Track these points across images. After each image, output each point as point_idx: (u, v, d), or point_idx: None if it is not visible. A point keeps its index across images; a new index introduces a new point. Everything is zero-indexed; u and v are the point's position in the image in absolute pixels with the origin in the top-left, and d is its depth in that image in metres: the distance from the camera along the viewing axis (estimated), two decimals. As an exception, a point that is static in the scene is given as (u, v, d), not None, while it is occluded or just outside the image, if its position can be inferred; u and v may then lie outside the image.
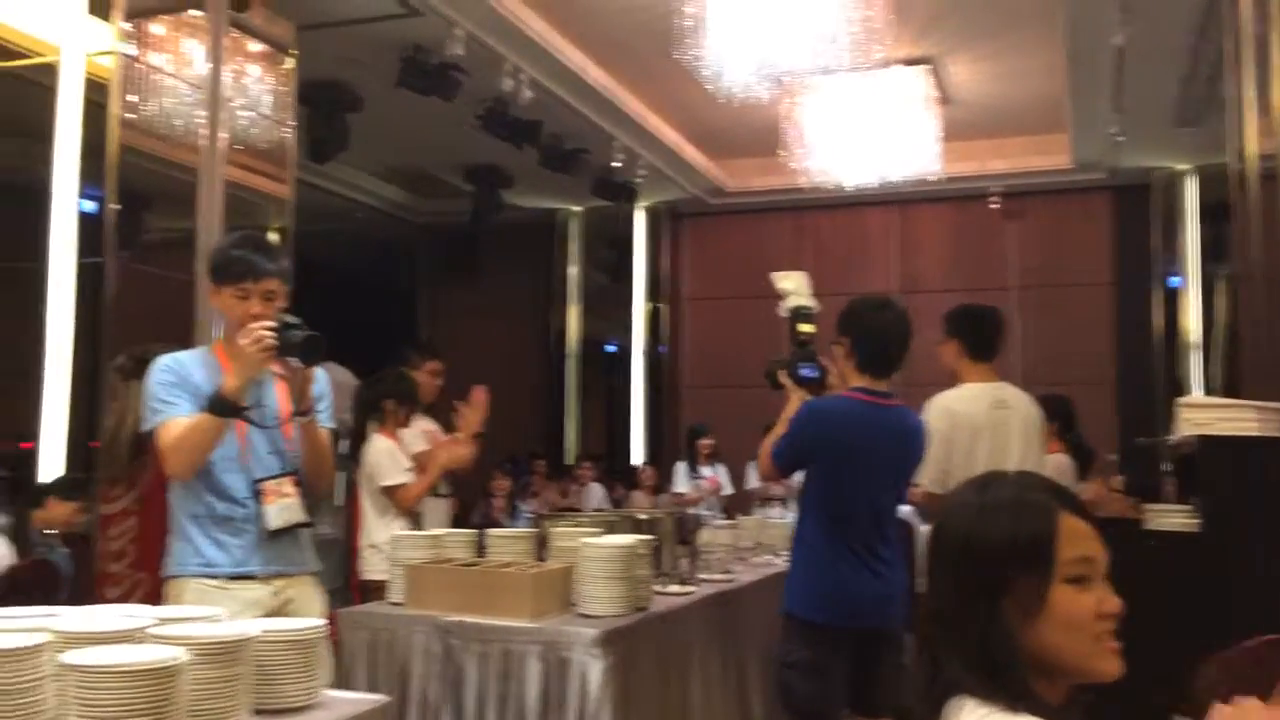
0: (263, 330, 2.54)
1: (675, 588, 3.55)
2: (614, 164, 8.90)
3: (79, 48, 4.90)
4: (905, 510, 7.38)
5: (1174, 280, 9.19)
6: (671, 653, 3.28)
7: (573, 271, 11.08)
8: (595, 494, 8.71)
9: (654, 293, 10.89)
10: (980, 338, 3.71)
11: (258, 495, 2.68)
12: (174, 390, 2.66)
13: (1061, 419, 4.81)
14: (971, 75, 8.02)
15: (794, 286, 3.77)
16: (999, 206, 9.80)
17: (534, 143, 8.15)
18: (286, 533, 2.71)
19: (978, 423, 3.56)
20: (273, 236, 5.85)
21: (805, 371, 3.51)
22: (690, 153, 9.59)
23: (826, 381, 3.45)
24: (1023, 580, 1.28)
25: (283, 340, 2.56)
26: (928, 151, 7.73)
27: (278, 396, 2.75)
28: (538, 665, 2.87)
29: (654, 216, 10.86)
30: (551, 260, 11.09)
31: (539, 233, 11.04)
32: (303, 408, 2.71)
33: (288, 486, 2.72)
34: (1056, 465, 4.43)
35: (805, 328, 3.72)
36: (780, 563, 4.50)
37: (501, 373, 6.49)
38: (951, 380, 3.75)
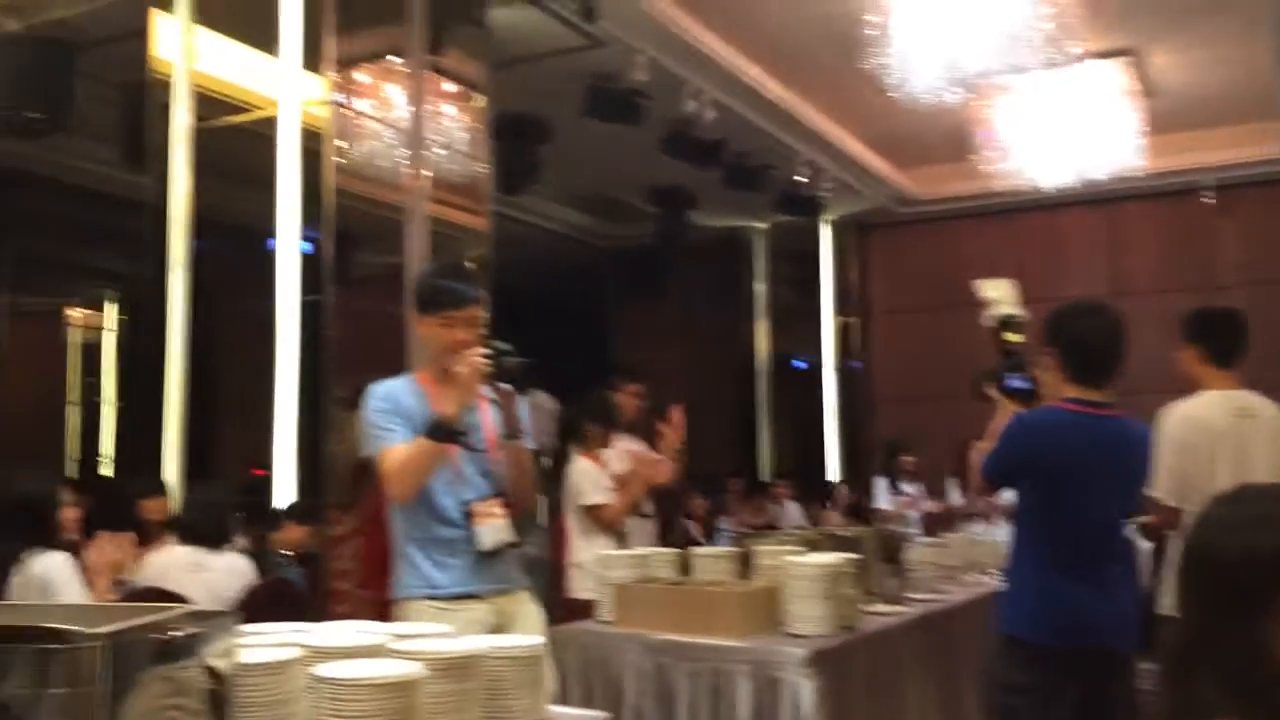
0: (478, 357, 2.63)
1: (883, 607, 3.48)
2: (798, 178, 8.84)
3: (295, 99, 5.25)
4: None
5: None
6: (883, 674, 3.22)
7: (759, 289, 11.05)
8: (792, 513, 8.63)
9: (843, 307, 10.74)
10: (1222, 343, 3.51)
11: (468, 517, 2.76)
12: (389, 418, 2.75)
13: None
14: (1175, 65, 7.58)
15: (1000, 294, 3.64)
16: (1212, 201, 9.20)
17: (717, 162, 8.19)
18: (499, 552, 2.79)
19: (1218, 431, 3.34)
20: (471, 266, 6.11)
21: (1014, 383, 3.37)
22: (876, 162, 9.44)
23: (1038, 393, 3.30)
24: None
25: (496, 366, 2.65)
26: (1130, 147, 7.35)
27: (484, 420, 2.83)
28: (748, 684, 2.87)
29: (840, 229, 10.72)
30: (738, 278, 11.10)
31: (725, 251, 11.07)
32: (512, 431, 2.79)
33: (496, 507, 2.80)
34: None
35: (1013, 337, 3.57)
36: (992, 581, 4.35)
37: (691, 392, 6.53)
38: (1176, 386, 3.54)
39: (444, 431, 2.66)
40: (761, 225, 10.91)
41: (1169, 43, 7.26)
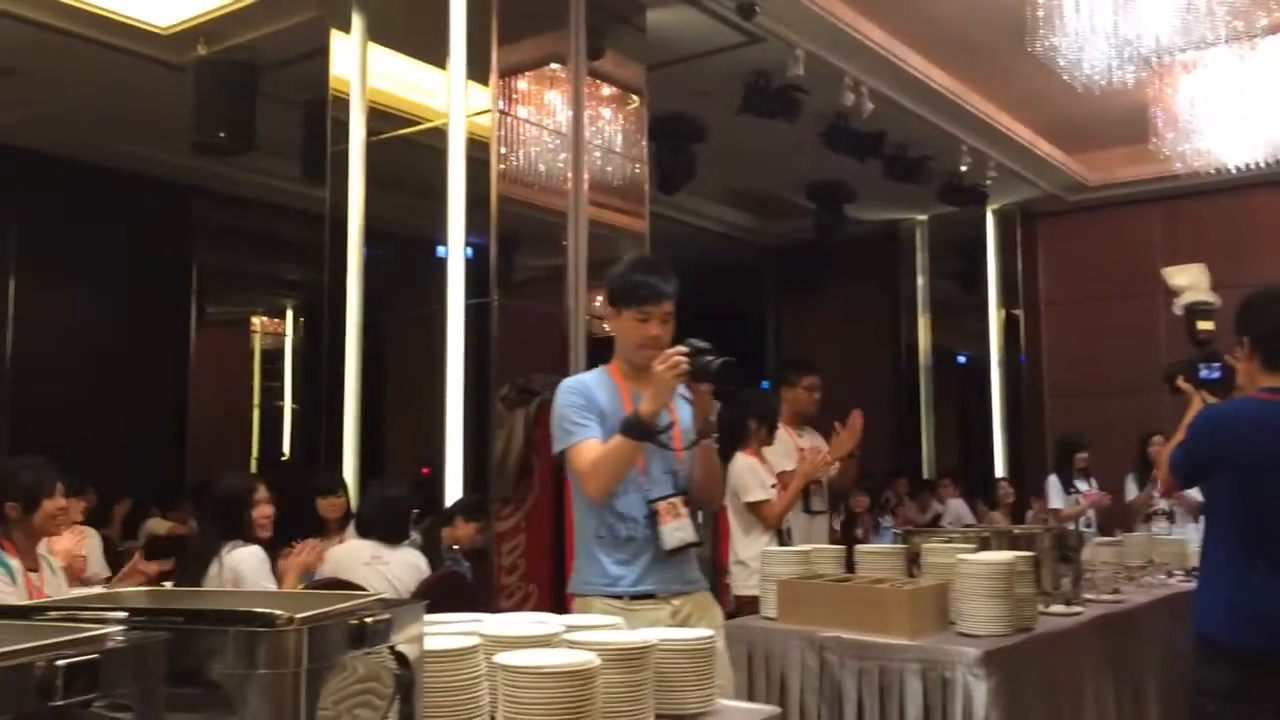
0: (678, 355, 2.59)
1: (1060, 608, 3.36)
2: (961, 168, 8.61)
3: (461, 110, 5.43)
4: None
5: None
6: (1060, 676, 3.11)
7: (920, 282, 10.82)
8: (957, 510, 8.41)
9: (1009, 299, 10.39)
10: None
11: (653, 515, 2.72)
12: (583, 412, 2.72)
13: None
14: (1378, 30, 7.02)
15: (1189, 281, 3.46)
16: None
17: (877, 154, 8.07)
18: (681, 552, 2.76)
19: None
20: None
21: (1206, 373, 3.20)
22: (1045, 148, 9.10)
23: (1234, 383, 3.12)
24: None
25: (695, 365, 2.59)
26: (1327, 122, 6.86)
27: (675, 417, 2.78)
28: (917, 683, 2.82)
29: (1005, 219, 10.38)
30: (898, 272, 10.89)
31: (884, 245, 10.89)
32: (706, 430, 2.73)
33: (680, 507, 2.76)
34: None
35: (1204, 325, 3.40)
36: (1174, 583, 4.14)
37: (853, 388, 6.43)
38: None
39: (642, 429, 2.62)
40: (922, 217, 10.67)
41: (1368, 7, 6.73)
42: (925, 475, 10.00)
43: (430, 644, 1.72)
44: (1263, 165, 7.34)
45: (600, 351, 6.02)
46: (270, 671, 1.30)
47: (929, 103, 7.66)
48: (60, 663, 1.06)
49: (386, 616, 1.44)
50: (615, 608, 2.66)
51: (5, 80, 7.15)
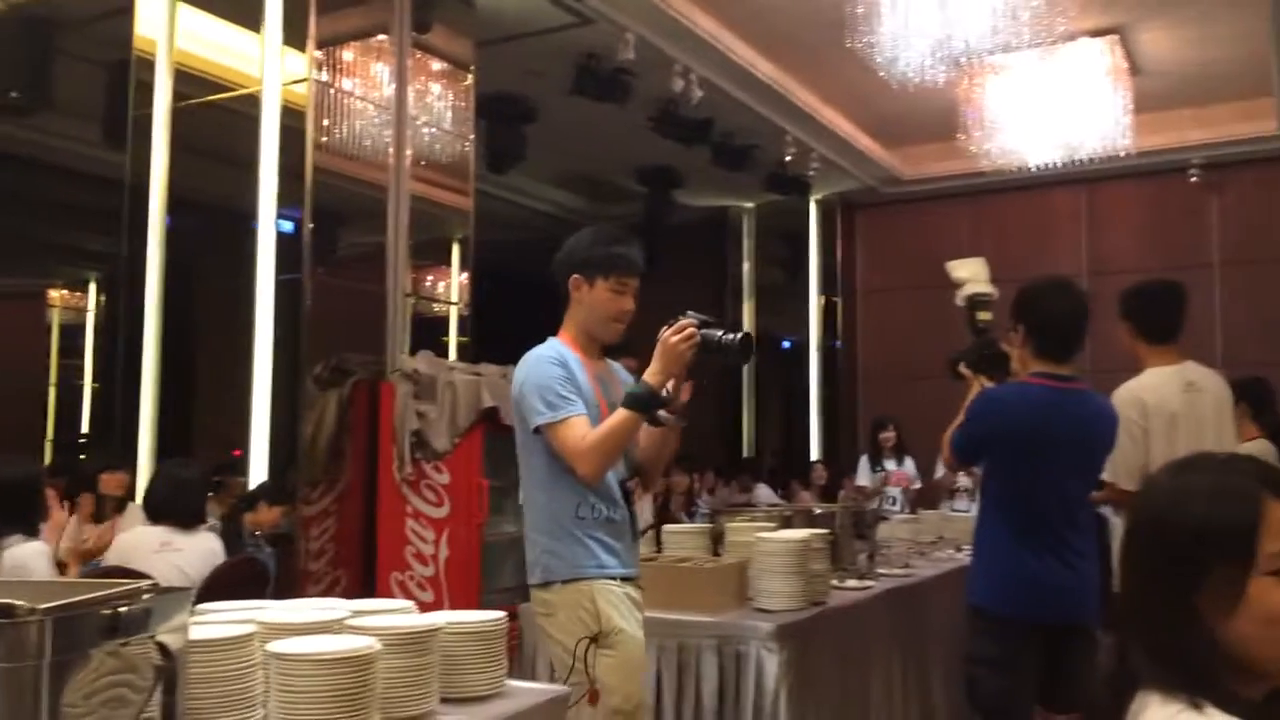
0: (690, 326, 2.47)
1: (853, 583, 3.52)
2: (786, 158, 8.83)
3: (276, 78, 5.23)
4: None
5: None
6: (850, 648, 3.25)
7: (746, 268, 11.05)
8: (763, 494, 8.68)
9: (828, 286, 10.75)
10: (1155, 318, 3.46)
11: (628, 495, 2.61)
12: (569, 385, 2.53)
13: (1253, 401, 4.27)
14: (1164, 43, 7.57)
15: (970, 274, 3.66)
16: (1198, 179, 9.20)
17: (705, 141, 8.19)
18: (642, 533, 2.69)
19: (1171, 409, 3.35)
20: (455, 247, 6.12)
21: (985, 360, 3.41)
22: (864, 142, 9.43)
23: (1009, 369, 3.33)
24: (1220, 570, 1.19)
25: (708, 338, 2.47)
26: (1117, 126, 7.35)
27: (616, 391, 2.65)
28: (713, 659, 2.90)
29: (827, 209, 10.72)
30: (725, 258, 11.10)
31: (712, 231, 11.06)
32: (683, 410, 2.55)
33: (639, 487, 2.68)
34: (1258, 452, 4.07)
35: (983, 315, 3.61)
36: (963, 557, 4.39)
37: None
38: (1137, 364, 3.54)
39: (653, 402, 2.43)
40: (748, 205, 10.90)
41: (1158, 21, 7.24)
42: (746, 456, 10.25)
43: (202, 633, 1.67)
44: (1060, 165, 7.81)
45: (426, 332, 5.95)
46: (9, 665, 1.24)
47: (755, 93, 7.82)
48: None
49: (145, 605, 1.39)
50: (615, 590, 2.52)
51: None
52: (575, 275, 2.66)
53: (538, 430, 2.53)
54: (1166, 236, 9.38)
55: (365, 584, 4.75)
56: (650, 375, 2.46)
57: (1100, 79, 7.28)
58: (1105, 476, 3.27)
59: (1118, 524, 6.43)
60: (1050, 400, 3.04)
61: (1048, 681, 3.03)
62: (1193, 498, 1.24)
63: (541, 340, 2.68)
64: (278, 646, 1.70)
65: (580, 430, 2.49)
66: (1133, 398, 3.37)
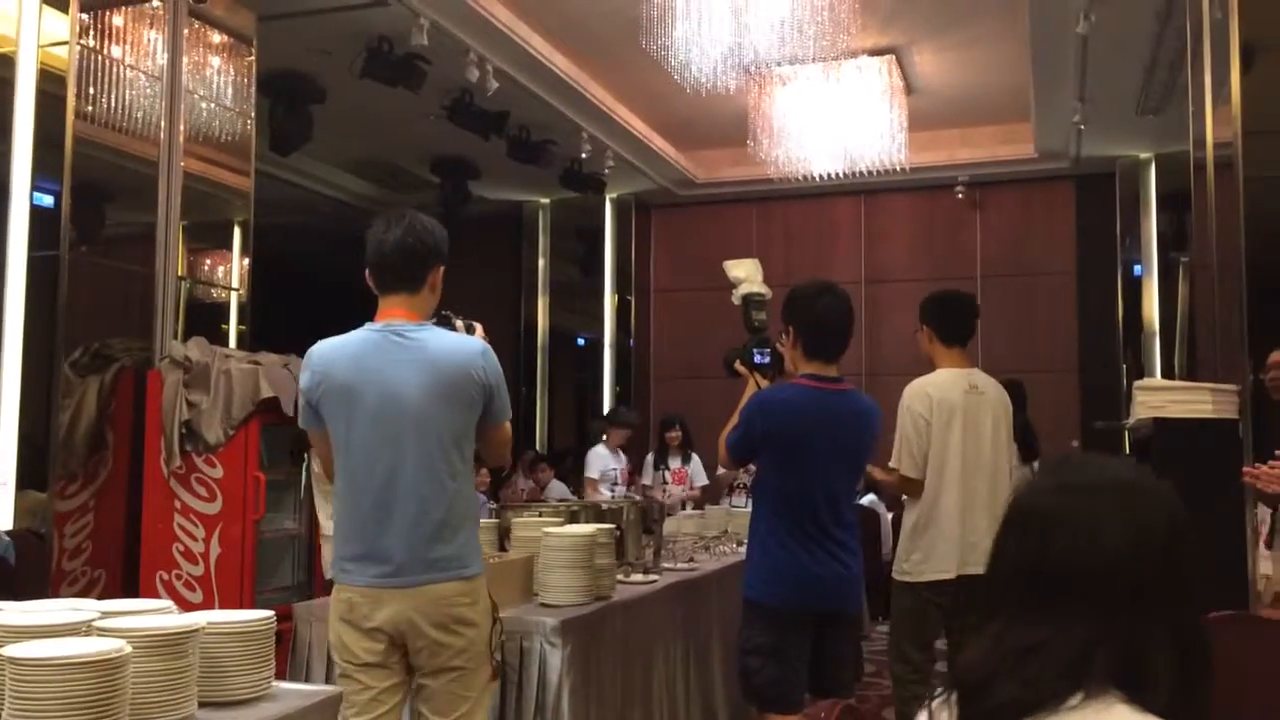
0: None
1: (638, 577, 3.56)
2: (582, 155, 8.86)
3: (33, 38, 4.82)
4: (870, 499, 7.45)
5: (1137, 268, 9.26)
6: (633, 641, 3.28)
7: (542, 264, 11.04)
8: (556, 489, 8.71)
9: (623, 285, 10.87)
10: (951, 324, 3.80)
11: None
12: None
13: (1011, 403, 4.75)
14: (936, 65, 8.04)
15: (745, 273, 3.78)
16: (964, 196, 9.85)
17: (501, 134, 8.11)
18: None
19: (953, 406, 3.63)
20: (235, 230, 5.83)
21: (759, 358, 3.53)
22: (659, 143, 9.57)
23: (783, 367, 3.46)
24: None
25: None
26: (893, 141, 7.75)
27: None
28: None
29: (622, 208, 10.83)
30: (520, 253, 11.05)
31: (508, 225, 10.99)
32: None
33: None
34: None
35: (758, 315, 3.74)
36: (744, 551, 4.52)
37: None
38: (921, 367, 3.81)
39: None
40: (545, 200, 10.89)
41: (931, 44, 7.68)
42: (539, 450, 10.24)
43: (-78, 638, 1.51)
44: (841, 175, 8.17)
45: (205, 318, 5.63)
46: None
47: (551, 87, 7.79)
48: None
49: None
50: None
51: None
52: (443, 266, 2.83)
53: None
54: (935, 249, 9.98)
55: (128, 584, 4.45)
56: None
57: (878, 96, 7.65)
58: (891, 464, 3.54)
59: (888, 517, 6.79)
60: (818, 401, 3.19)
61: (817, 668, 3.16)
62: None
63: (320, 327, 2.63)
64: (13, 650, 1.56)
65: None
66: (921, 392, 3.66)
